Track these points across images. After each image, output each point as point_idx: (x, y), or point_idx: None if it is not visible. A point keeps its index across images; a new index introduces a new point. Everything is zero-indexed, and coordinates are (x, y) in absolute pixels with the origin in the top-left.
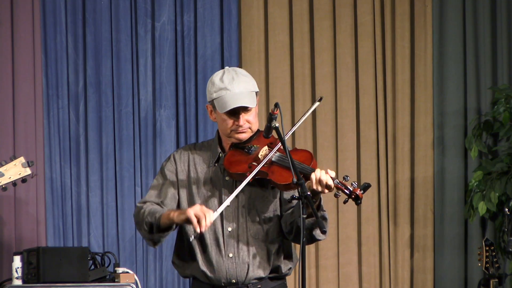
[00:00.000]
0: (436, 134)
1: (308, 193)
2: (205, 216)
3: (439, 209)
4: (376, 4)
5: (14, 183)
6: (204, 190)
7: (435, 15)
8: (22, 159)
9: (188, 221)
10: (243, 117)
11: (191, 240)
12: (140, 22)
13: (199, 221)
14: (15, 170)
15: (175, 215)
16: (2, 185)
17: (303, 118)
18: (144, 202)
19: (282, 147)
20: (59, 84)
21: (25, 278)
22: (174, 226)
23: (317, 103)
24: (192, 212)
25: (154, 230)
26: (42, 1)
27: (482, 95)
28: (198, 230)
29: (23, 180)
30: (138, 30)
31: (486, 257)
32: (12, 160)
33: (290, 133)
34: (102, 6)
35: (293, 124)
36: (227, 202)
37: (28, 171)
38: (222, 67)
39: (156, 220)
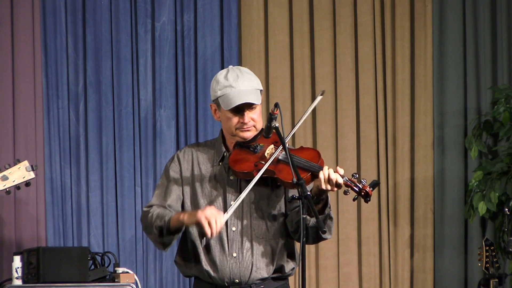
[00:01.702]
0: (436, 134)
1: (308, 193)
2: (215, 220)
3: (439, 209)
4: (376, 4)
5: (18, 187)
6: (208, 189)
7: (435, 15)
8: (26, 163)
9: (199, 224)
10: (248, 114)
11: (202, 246)
12: (140, 22)
13: (209, 225)
14: (19, 173)
15: (185, 218)
16: (6, 189)
17: (308, 113)
18: (151, 206)
19: (287, 145)
20: (59, 84)
21: (25, 278)
22: (183, 228)
23: (319, 97)
24: (202, 216)
25: (164, 233)
26: (42, 1)
27: (482, 95)
28: (209, 235)
29: (27, 183)
30: (138, 30)
31: (486, 257)
32: (16, 164)
33: (294, 130)
34: (102, 6)
35: (293, 124)
36: (237, 203)
37: (32, 174)
38: (222, 67)
39: (165, 223)
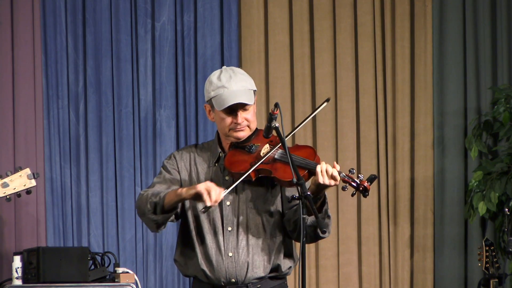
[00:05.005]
0: (436, 134)
1: (308, 193)
2: (215, 191)
3: (439, 209)
4: (376, 4)
5: (18, 194)
6: None
7: (435, 15)
8: (28, 171)
9: (197, 196)
10: (241, 115)
11: (201, 212)
12: (140, 22)
13: (209, 194)
14: (20, 181)
15: (184, 190)
16: (6, 196)
17: (308, 119)
18: (147, 190)
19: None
20: (59, 84)
21: (25, 278)
22: (178, 206)
23: (324, 104)
24: (203, 187)
25: (157, 211)
26: (42, 1)
27: (482, 95)
28: (208, 204)
29: (28, 191)
30: (138, 30)
31: (486, 257)
32: (18, 171)
33: (292, 132)
34: (102, 6)
35: (293, 124)
36: (234, 185)
37: (33, 182)
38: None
39: (160, 199)
